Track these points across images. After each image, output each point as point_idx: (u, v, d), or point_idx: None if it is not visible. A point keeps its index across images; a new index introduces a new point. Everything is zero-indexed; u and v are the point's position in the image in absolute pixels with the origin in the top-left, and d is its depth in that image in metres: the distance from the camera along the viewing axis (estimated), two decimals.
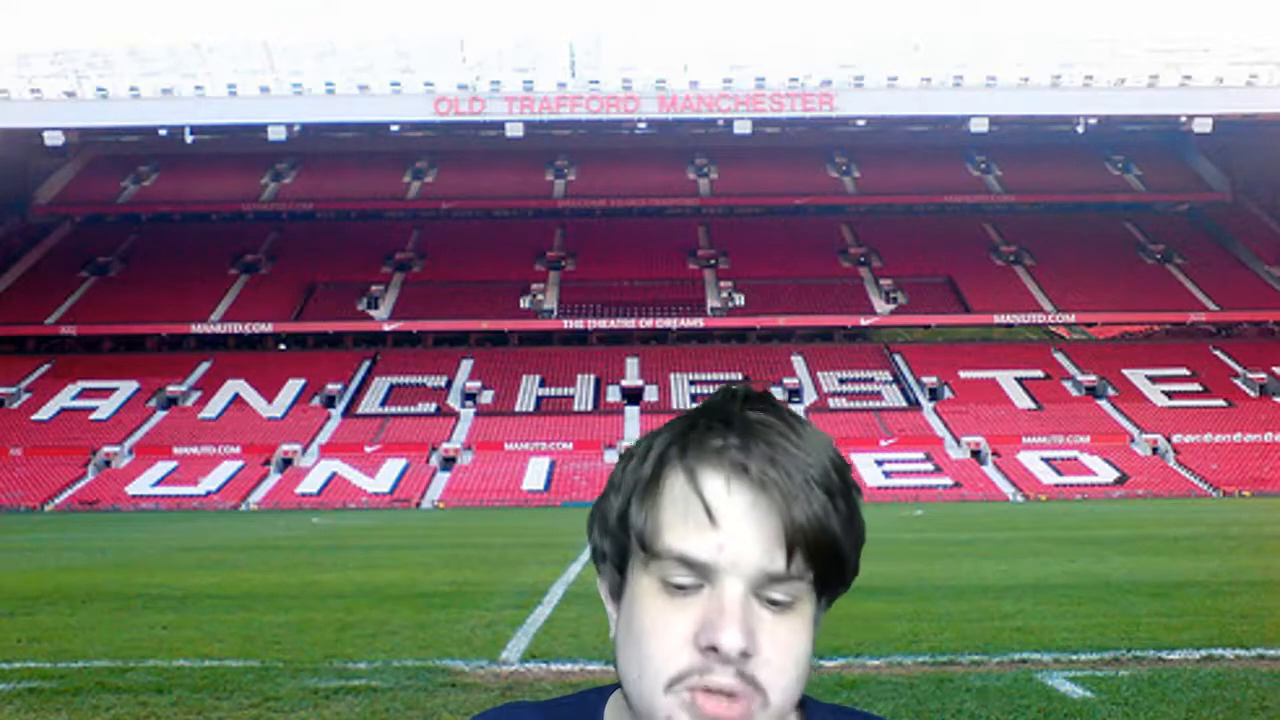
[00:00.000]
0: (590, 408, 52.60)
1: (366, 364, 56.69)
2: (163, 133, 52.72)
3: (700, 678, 0.81)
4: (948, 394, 52.58)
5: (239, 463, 47.18)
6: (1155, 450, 47.49)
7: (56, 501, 44.08)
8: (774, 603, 0.83)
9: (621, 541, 0.87)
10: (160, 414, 51.49)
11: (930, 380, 53.46)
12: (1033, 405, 51.44)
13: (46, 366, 54.92)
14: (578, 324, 57.63)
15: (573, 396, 53.55)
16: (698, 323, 57.69)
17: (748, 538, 0.81)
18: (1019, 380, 53.48)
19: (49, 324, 56.51)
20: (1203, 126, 50.12)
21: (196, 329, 56.99)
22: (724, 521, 0.82)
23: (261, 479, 46.10)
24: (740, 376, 54.20)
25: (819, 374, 54.66)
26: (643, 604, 0.85)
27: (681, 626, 0.82)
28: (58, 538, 24.60)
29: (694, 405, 0.92)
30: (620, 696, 0.92)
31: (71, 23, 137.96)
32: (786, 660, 0.82)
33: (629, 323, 57.27)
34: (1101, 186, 66.46)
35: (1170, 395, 51.69)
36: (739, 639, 0.80)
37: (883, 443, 47.91)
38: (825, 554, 0.83)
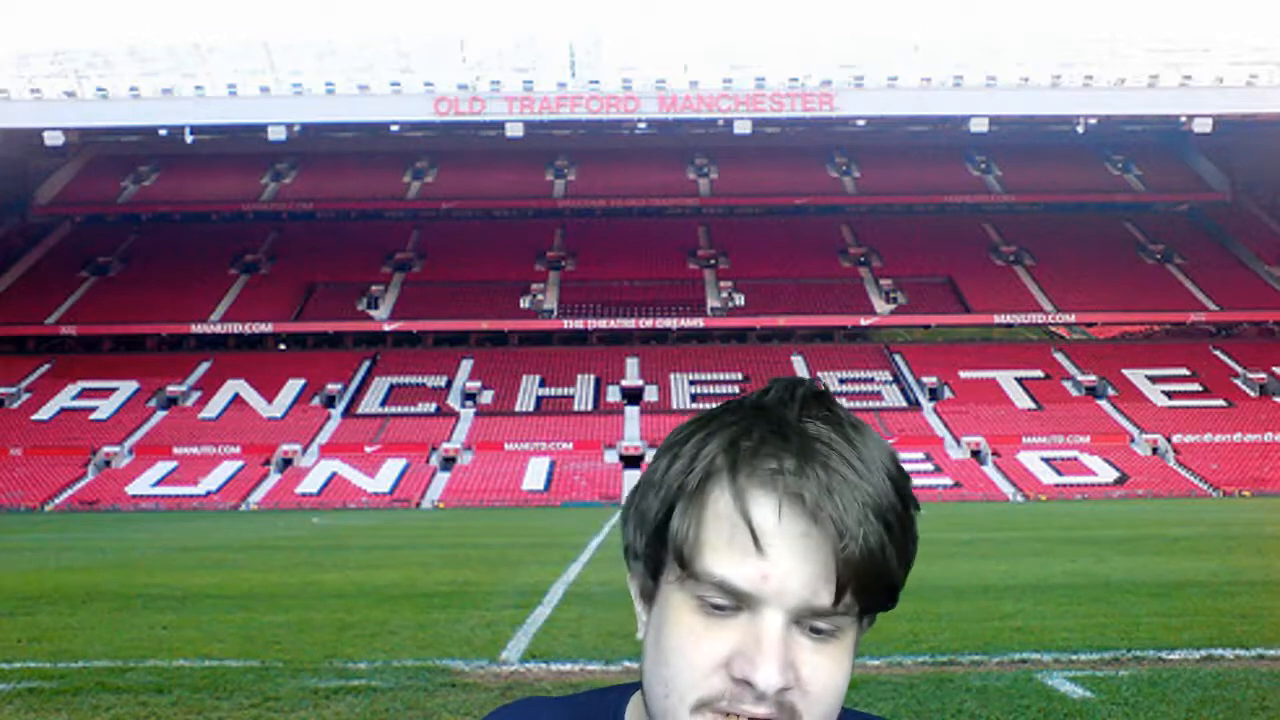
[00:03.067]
0: (590, 408, 52.60)
1: (366, 364, 56.69)
2: (163, 133, 52.72)
3: (730, 704, 0.76)
4: (948, 394, 52.58)
5: (239, 463, 47.18)
6: (1155, 450, 47.49)
7: (56, 501, 44.07)
8: (816, 631, 0.78)
9: (658, 549, 0.81)
10: (160, 414, 51.49)
11: (930, 380, 53.46)
12: (1033, 405, 51.44)
13: (46, 366, 54.92)
14: (578, 324, 57.63)
15: (573, 396, 53.55)
16: (698, 323, 57.68)
17: (795, 570, 0.76)
18: (1019, 380, 53.48)
19: (49, 324, 56.51)
20: (1203, 126, 50.13)
21: (196, 329, 56.98)
22: (771, 551, 0.76)
23: (261, 479, 46.10)
24: (740, 376, 54.20)
25: (819, 374, 54.60)
26: (675, 621, 0.79)
27: (715, 650, 0.77)
28: (58, 538, 24.59)
29: (743, 395, 0.84)
30: (640, 698, 0.87)
31: (71, 23, 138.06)
32: (825, 691, 0.78)
33: (629, 323, 57.27)
34: (1101, 186, 66.46)
35: (1170, 395, 51.69)
36: (776, 678, 0.75)
37: None
38: (876, 587, 0.78)
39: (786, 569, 0.75)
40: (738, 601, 0.77)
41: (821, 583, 0.76)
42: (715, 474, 0.78)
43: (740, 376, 54.26)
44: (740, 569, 0.76)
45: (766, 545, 0.75)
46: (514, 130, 49.91)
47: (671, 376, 54.25)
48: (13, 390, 52.58)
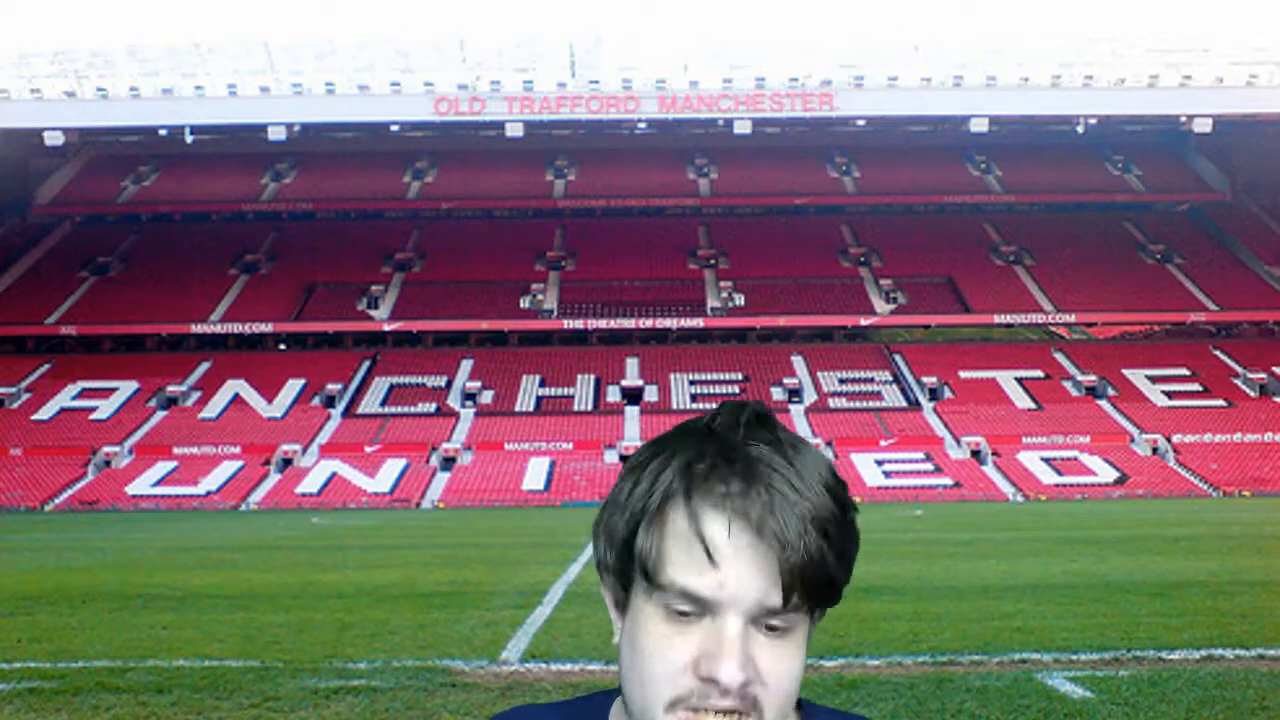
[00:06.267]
0: (590, 408, 52.59)
1: (366, 364, 56.68)
2: (163, 133, 52.72)
3: (699, 700, 0.87)
4: (948, 394, 52.57)
5: (239, 463, 47.17)
6: (1155, 450, 47.48)
7: (56, 501, 44.07)
8: (771, 628, 0.89)
9: (626, 564, 0.93)
10: (160, 414, 51.48)
11: (930, 380, 53.44)
12: (1033, 405, 51.43)
13: (46, 366, 54.91)
14: (578, 324, 57.61)
15: (573, 396, 53.55)
16: (698, 323, 57.67)
17: (746, 578, 0.87)
18: (1019, 380, 53.47)
19: (49, 324, 56.49)
20: (1203, 126, 50.10)
21: (196, 329, 56.98)
22: (724, 563, 0.87)
23: (261, 479, 46.10)
24: (740, 376, 54.18)
25: (819, 374, 54.65)
26: (646, 629, 0.90)
27: (683, 652, 0.88)
28: (58, 538, 24.59)
29: (696, 415, 0.96)
30: (623, 700, 0.98)
31: (71, 23, 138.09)
32: (782, 681, 0.89)
33: (629, 323, 57.26)
34: (1101, 186, 66.45)
35: (1170, 395, 51.68)
36: (738, 674, 0.86)
37: (883, 443, 47.89)
38: (819, 587, 0.89)
39: (738, 577, 0.87)
40: (700, 608, 0.88)
41: (771, 587, 0.87)
42: (672, 496, 0.90)
43: (740, 376, 54.25)
44: (699, 579, 0.87)
45: (719, 558, 0.87)
46: (514, 130, 49.91)
47: (671, 376, 54.25)
48: (13, 390, 52.57)
